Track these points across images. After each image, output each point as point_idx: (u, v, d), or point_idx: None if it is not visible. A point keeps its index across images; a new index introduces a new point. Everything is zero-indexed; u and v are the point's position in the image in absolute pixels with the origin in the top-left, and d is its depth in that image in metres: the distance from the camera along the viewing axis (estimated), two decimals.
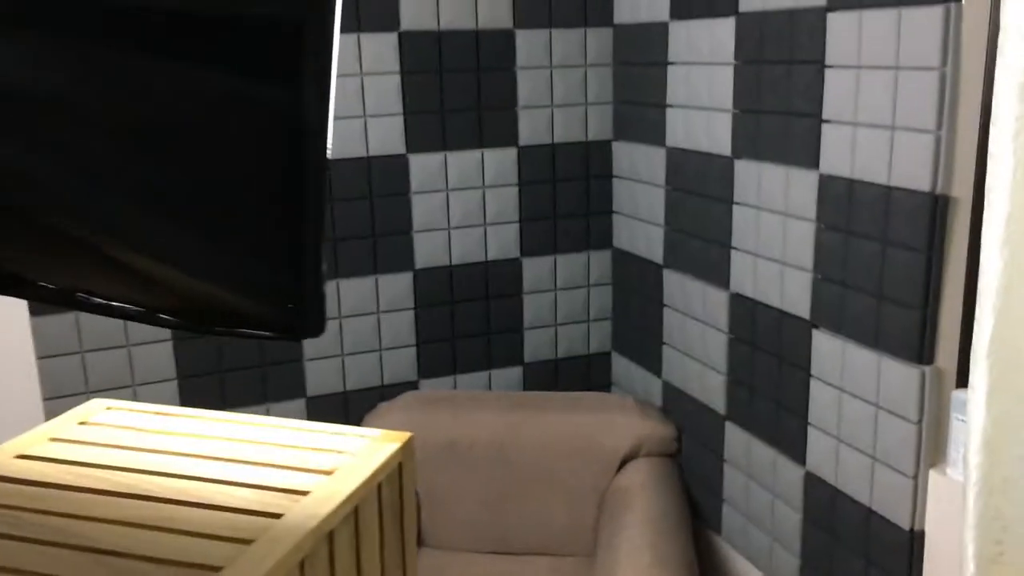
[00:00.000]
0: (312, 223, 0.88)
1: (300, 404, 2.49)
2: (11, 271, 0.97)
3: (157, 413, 1.21)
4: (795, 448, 2.02)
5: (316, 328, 0.91)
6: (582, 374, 2.79)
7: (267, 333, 0.93)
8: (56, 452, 1.07)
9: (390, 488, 1.09)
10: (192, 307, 0.94)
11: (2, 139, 0.83)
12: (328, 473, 1.05)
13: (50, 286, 0.98)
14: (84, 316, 2.23)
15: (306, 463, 1.08)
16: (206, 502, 0.96)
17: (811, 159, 1.89)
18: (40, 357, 2.21)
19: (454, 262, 2.59)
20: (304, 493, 1.01)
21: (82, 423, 1.16)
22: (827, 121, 1.84)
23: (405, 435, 1.14)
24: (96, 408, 1.21)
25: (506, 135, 2.57)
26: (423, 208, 2.53)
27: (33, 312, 2.18)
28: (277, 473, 1.06)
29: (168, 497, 0.97)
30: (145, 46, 0.82)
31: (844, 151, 1.81)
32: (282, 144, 0.86)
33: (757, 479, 2.17)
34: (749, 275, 2.14)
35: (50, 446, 1.09)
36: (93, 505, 0.95)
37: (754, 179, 2.09)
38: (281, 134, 0.86)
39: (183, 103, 0.85)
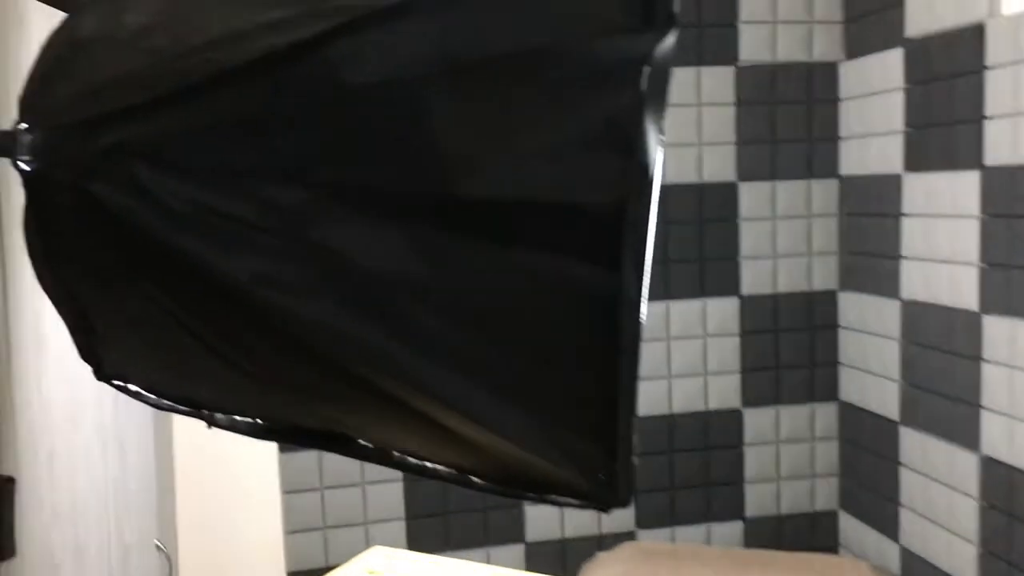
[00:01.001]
0: (626, 397, 0.91)
1: (519, 549, 2.49)
2: (340, 432, 1.05)
3: (433, 564, 1.25)
4: None
5: (624, 499, 0.93)
6: (807, 533, 2.66)
7: (576, 501, 0.95)
8: None
9: None
10: (503, 472, 0.98)
11: (356, 317, 0.91)
12: None
13: (370, 445, 1.04)
14: (326, 455, 2.36)
15: None
16: None
17: None
18: (285, 492, 2.34)
19: (674, 411, 2.57)
20: None
21: (371, 572, 1.21)
22: None
23: None
24: (378, 555, 1.26)
25: (728, 285, 2.58)
26: (644, 357, 2.54)
27: (282, 449, 2.32)
28: None
29: None
30: (486, 235, 0.90)
31: None
32: (601, 321, 0.90)
33: None
34: (1004, 438, 2.00)
35: None
36: None
37: (1006, 336, 1.99)
38: (601, 312, 0.90)
39: (511, 285, 0.91)
